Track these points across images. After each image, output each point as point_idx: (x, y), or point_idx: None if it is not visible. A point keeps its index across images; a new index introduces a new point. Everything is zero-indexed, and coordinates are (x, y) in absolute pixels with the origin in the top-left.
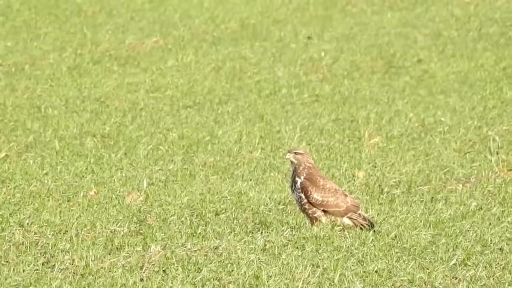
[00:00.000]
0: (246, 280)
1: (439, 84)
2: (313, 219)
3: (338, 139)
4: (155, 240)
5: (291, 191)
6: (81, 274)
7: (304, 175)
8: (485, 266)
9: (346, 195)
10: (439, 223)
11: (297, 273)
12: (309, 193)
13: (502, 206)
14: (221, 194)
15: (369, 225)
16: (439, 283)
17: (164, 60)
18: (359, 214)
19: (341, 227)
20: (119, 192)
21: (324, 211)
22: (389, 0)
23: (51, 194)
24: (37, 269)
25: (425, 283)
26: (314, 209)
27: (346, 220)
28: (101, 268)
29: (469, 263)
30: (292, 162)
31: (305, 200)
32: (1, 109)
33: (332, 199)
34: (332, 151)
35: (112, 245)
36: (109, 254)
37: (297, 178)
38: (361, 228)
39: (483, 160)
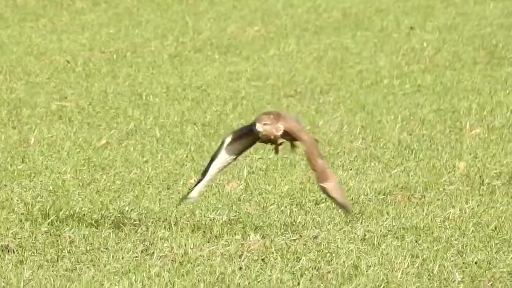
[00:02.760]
0: (345, 270)
1: None
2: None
3: (440, 129)
4: (255, 229)
5: None
6: (180, 262)
7: None
8: None
9: None
10: None
11: (396, 263)
12: None
13: None
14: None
15: None
16: None
17: (265, 49)
18: None
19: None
20: (218, 180)
21: None
22: None
23: (151, 182)
24: (136, 256)
25: None
26: None
27: None
28: (200, 256)
29: None
30: None
31: None
32: (102, 96)
33: None
34: (433, 141)
35: (211, 233)
36: (208, 242)
37: None
38: None
39: None
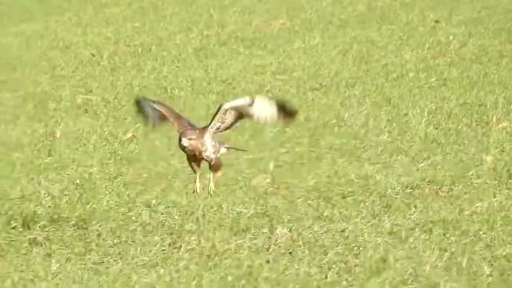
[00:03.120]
0: (373, 263)
1: None
2: None
3: (466, 123)
4: (282, 222)
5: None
6: (207, 255)
7: None
8: None
9: None
10: None
11: (424, 257)
12: None
13: None
14: (348, 177)
15: None
16: None
17: (290, 42)
18: None
19: (470, 212)
20: (245, 174)
21: None
22: None
23: (177, 175)
24: (163, 250)
25: None
26: None
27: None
28: (228, 249)
29: None
30: None
31: None
32: (128, 90)
33: None
34: (460, 135)
35: (238, 226)
36: (235, 235)
37: None
38: None
39: None
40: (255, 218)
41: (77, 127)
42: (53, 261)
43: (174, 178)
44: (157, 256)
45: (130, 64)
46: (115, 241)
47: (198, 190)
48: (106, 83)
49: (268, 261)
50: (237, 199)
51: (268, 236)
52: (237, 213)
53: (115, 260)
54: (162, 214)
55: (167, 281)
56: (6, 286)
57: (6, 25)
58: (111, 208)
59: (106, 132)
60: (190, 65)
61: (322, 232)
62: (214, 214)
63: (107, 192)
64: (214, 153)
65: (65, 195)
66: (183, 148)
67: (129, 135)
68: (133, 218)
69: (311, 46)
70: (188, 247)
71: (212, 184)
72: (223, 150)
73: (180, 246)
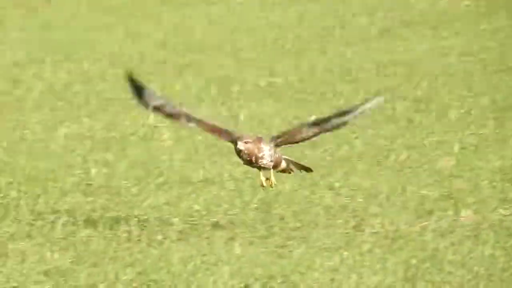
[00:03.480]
0: None
1: None
2: None
3: None
4: (466, 205)
5: None
6: (392, 238)
7: None
8: None
9: None
10: None
11: None
12: None
13: None
14: None
15: None
16: None
17: (476, 23)
18: None
19: None
20: (430, 156)
21: None
22: None
23: (361, 158)
24: (347, 232)
25: None
26: None
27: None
28: (412, 232)
29: None
30: None
31: None
32: (311, 72)
33: None
34: None
35: (422, 209)
36: (420, 218)
37: None
38: None
39: None
40: (440, 200)
41: (260, 110)
42: (236, 244)
43: (358, 160)
44: (341, 239)
45: (314, 47)
46: (298, 224)
47: (264, 184)
48: (290, 66)
49: (452, 244)
50: (422, 182)
51: (453, 218)
52: (422, 196)
53: (298, 244)
54: (345, 197)
55: (351, 264)
56: (189, 269)
57: (190, 7)
58: (294, 191)
59: (290, 115)
60: (374, 47)
61: (508, 214)
62: (398, 197)
63: (290, 175)
64: (271, 161)
65: (248, 178)
66: (238, 152)
67: (313, 117)
68: (316, 201)
69: (496, 27)
70: (372, 230)
71: (273, 178)
72: (283, 164)
73: (364, 229)
